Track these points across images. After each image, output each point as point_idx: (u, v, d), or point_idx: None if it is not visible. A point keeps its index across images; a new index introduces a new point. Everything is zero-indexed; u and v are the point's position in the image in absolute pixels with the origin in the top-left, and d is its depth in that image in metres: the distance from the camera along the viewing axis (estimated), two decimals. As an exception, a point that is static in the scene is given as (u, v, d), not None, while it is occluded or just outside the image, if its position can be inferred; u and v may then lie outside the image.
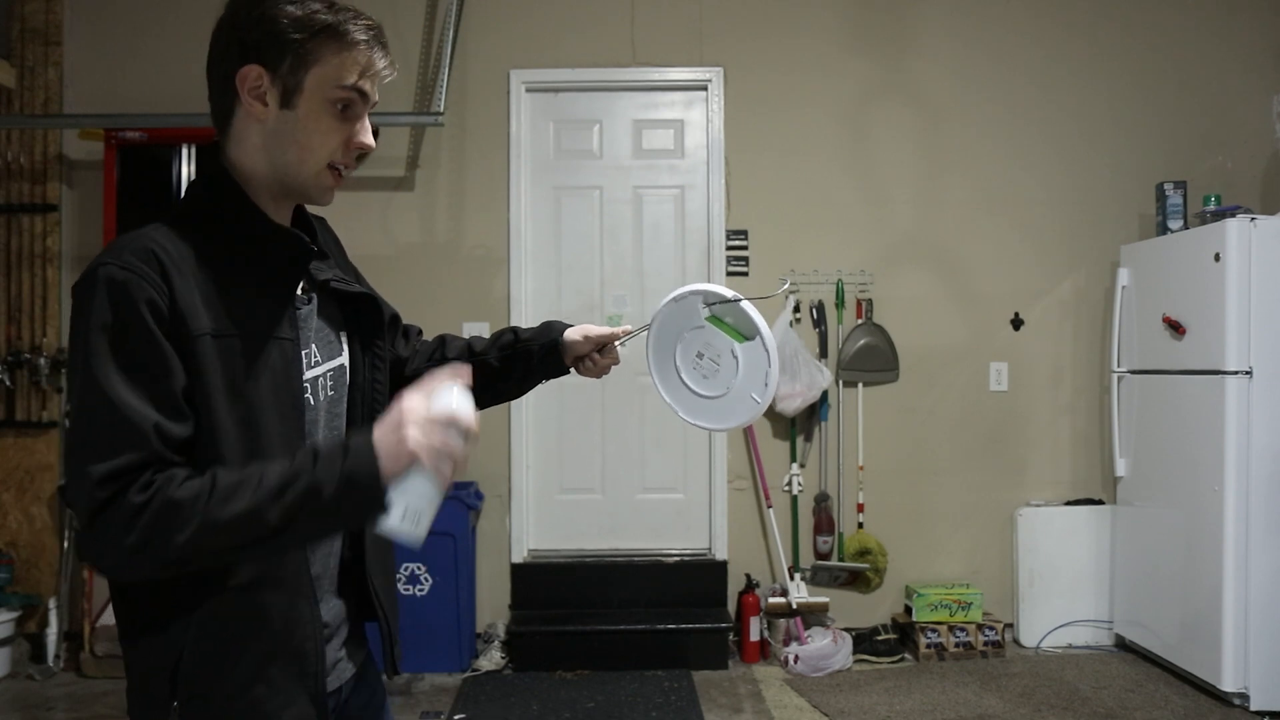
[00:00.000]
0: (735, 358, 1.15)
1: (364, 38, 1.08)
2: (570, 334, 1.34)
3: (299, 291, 1.16)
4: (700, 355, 1.17)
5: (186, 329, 1.02)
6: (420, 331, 1.48)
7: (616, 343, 1.31)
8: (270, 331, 1.09)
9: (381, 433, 0.99)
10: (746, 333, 1.14)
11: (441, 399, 1.01)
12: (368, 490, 0.97)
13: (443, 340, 1.45)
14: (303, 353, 1.14)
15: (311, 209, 1.23)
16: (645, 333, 1.32)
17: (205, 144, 3.84)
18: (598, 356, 1.33)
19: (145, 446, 0.97)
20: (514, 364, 1.41)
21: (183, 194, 1.16)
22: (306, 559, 1.13)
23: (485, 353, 1.42)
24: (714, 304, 1.15)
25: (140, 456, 0.96)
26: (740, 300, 1.12)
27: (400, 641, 1.30)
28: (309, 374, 1.14)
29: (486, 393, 1.36)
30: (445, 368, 1.09)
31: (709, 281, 4.06)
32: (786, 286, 3.90)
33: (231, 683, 1.06)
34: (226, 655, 1.06)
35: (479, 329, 4.01)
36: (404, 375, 1.36)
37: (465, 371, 1.06)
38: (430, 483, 1.00)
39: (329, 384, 1.19)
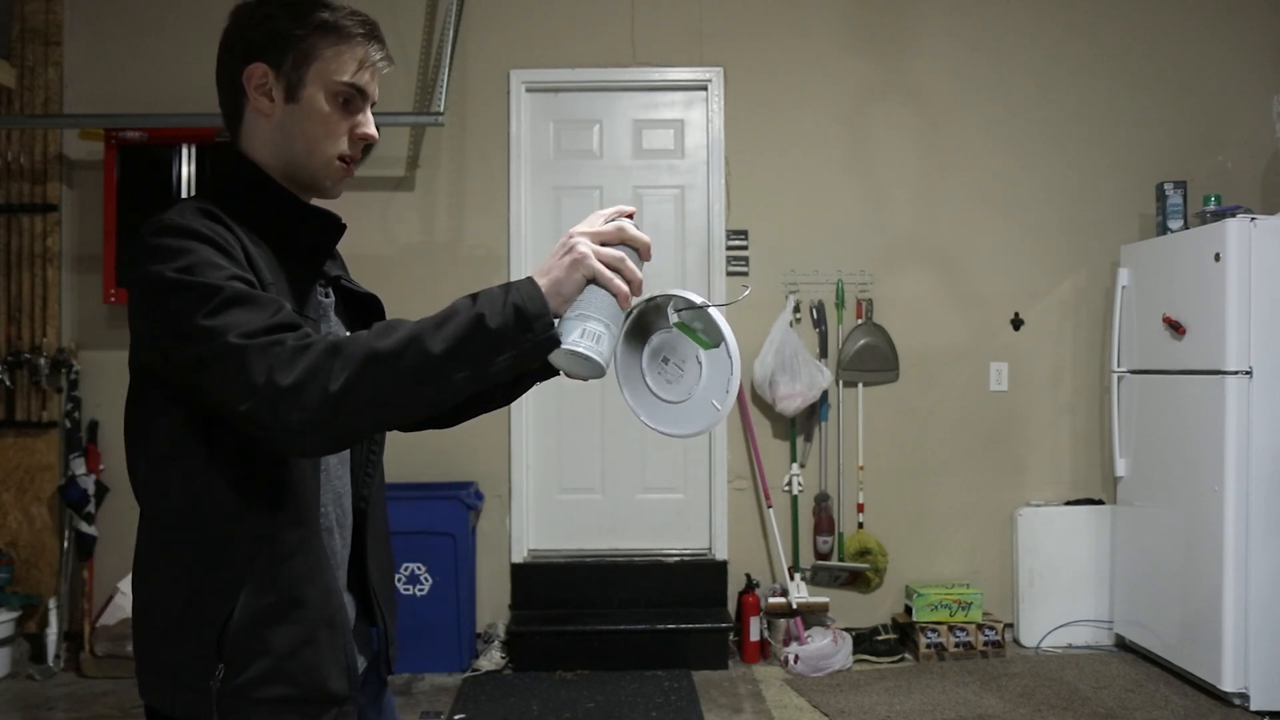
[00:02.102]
0: (700, 364, 1.14)
1: (360, 32, 1.14)
2: None
3: (318, 285, 1.19)
4: (665, 360, 1.17)
5: (258, 275, 1.05)
6: None
7: None
8: (299, 308, 1.13)
9: (546, 262, 1.01)
10: (713, 340, 1.14)
11: (608, 218, 1.01)
12: (537, 316, 0.97)
13: None
14: None
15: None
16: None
17: (207, 144, 3.84)
18: None
19: (289, 311, 0.99)
20: None
21: (198, 188, 1.18)
22: (319, 516, 1.13)
23: None
24: (682, 309, 1.15)
25: (288, 317, 0.98)
26: (708, 306, 1.12)
27: (397, 642, 1.31)
28: None
29: (477, 399, 1.36)
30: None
31: (710, 279, 4.11)
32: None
33: (285, 641, 1.06)
34: (280, 611, 1.06)
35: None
36: None
37: (629, 210, 1.08)
38: (606, 299, 0.99)
39: None
